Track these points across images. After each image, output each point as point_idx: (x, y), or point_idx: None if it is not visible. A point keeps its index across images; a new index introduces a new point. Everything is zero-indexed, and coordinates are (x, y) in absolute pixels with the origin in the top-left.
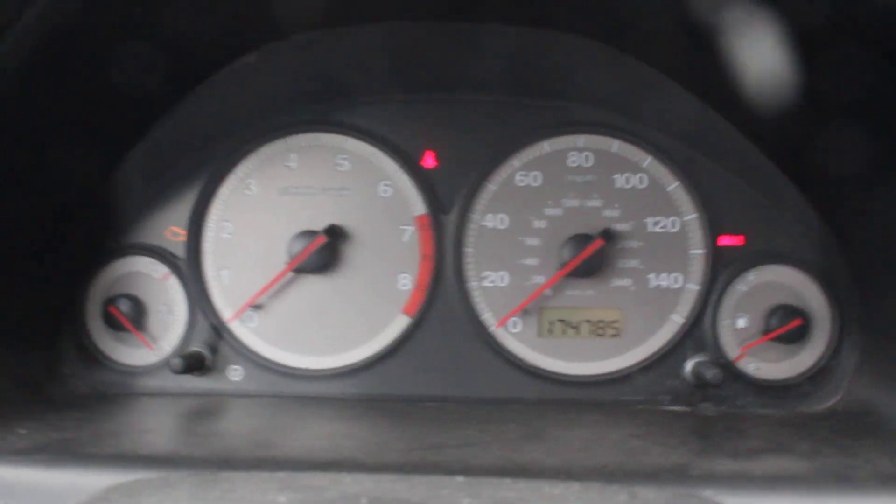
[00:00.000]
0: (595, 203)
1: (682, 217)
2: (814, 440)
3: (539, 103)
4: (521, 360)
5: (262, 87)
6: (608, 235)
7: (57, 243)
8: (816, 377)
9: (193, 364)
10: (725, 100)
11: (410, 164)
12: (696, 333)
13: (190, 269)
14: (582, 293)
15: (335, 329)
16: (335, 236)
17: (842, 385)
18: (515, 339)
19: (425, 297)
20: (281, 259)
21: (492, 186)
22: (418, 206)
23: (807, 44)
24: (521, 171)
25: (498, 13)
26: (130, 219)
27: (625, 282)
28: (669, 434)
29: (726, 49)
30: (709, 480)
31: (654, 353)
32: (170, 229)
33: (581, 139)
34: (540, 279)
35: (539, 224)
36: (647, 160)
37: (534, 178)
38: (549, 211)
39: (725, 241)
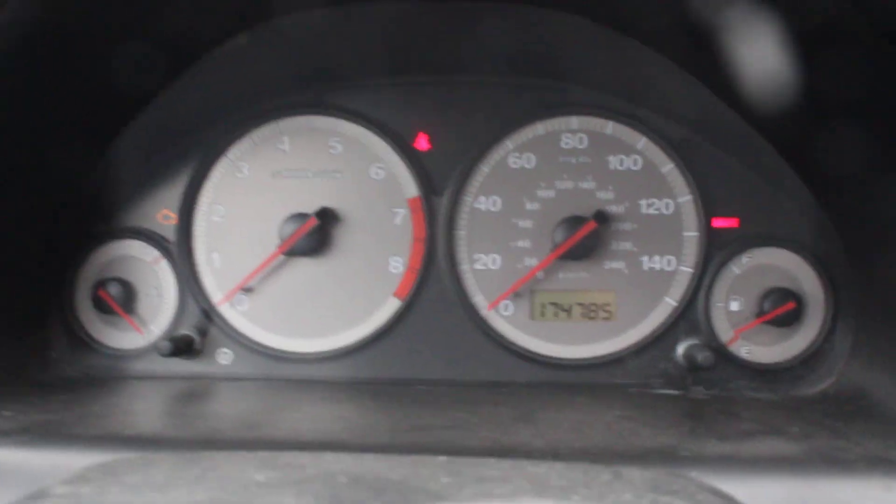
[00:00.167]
0: (589, 185)
1: (676, 199)
2: (805, 423)
3: (533, 84)
4: (512, 343)
5: (254, 69)
6: (601, 217)
7: (47, 227)
8: (809, 360)
9: (182, 347)
10: (723, 83)
11: (403, 146)
12: (689, 316)
13: (181, 252)
14: (575, 276)
15: (326, 312)
16: (326, 219)
17: (835, 369)
18: (507, 321)
19: (417, 280)
20: (272, 242)
21: (485, 168)
22: (411, 188)
23: (806, 36)
24: (514, 153)
25: None
26: (122, 202)
27: (618, 264)
28: (660, 416)
29: (726, 36)
30: (697, 462)
31: (647, 337)
32: (161, 213)
33: (575, 121)
34: (532, 262)
35: (532, 206)
36: (642, 142)
37: (527, 160)
38: (543, 193)
39: (719, 223)
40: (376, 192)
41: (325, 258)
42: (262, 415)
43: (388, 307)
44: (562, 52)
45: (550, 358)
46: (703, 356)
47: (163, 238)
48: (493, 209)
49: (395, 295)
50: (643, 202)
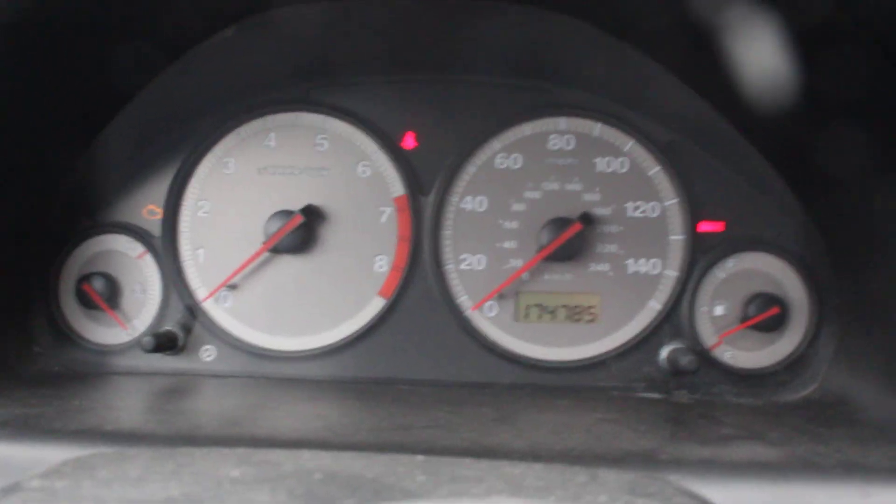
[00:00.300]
0: (575, 187)
1: (662, 202)
2: (786, 428)
3: (521, 85)
4: (496, 344)
5: (242, 64)
6: (587, 219)
7: (32, 221)
8: (793, 366)
9: (165, 343)
10: (711, 87)
11: (390, 144)
12: (674, 320)
13: (166, 247)
14: (560, 278)
15: (310, 310)
16: (312, 216)
17: (818, 374)
18: (491, 323)
19: (402, 280)
20: (258, 239)
21: (471, 168)
22: (397, 187)
23: (795, 40)
24: (501, 154)
25: None
26: (107, 197)
27: (603, 267)
28: (641, 420)
29: (715, 40)
30: (676, 465)
31: (631, 340)
32: (147, 208)
33: (563, 122)
34: (518, 263)
35: (518, 207)
36: (629, 144)
37: (514, 161)
38: (529, 194)
39: (705, 227)
40: (362, 191)
41: (310, 256)
42: (243, 412)
43: (373, 306)
44: (551, 53)
45: (534, 360)
46: (686, 360)
47: (148, 233)
48: (479, 209)
49: (380, 294)
50: (629, 205)
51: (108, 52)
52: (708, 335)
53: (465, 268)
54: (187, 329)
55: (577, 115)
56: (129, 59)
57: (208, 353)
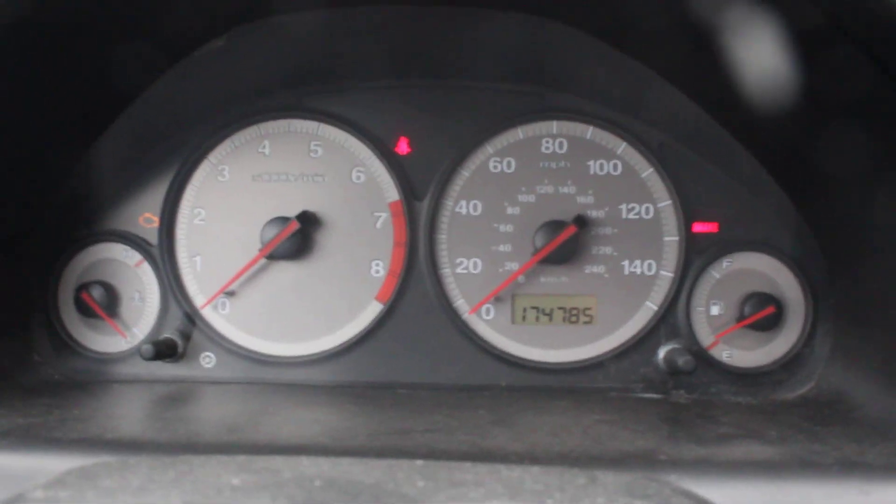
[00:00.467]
0: (569, 189)
1: (656, 204)
2: (783, 427)
3: (513, 89)
4: (493, 347)
5: (235, 71)
6: (581, 222)
7: (29, 230)
8: (789, 365)
9: (164, 351)
10: (703, 89)
11: (384, 150)
12: (670, 321)
13: (163, 255)
14: (555, 280)
15: (308, 316)
16: (308, 223)
17: (815, 373)
18: (488, 325)
19: (398, 284)
20: (254, 245)
21: (465, 173)
22: (392, 192)
23: (791, 38)
24: (494, 158)
25: None
26: (104, 206)
27: (598, 268)
28: (639, 420)
29: (708, 44)
30: (674, 465)
31: (628, 341)
32: (143, 216)
33: (555, 125)
34: (513, 266)
35: (513, 210)
36: (622, 146)
37: (507, 165)
38: (523, 197)
39: (699, 227)
40: (357, 196)
41: (306, 262)
42: (243, 418)
43: (370, 311)
44: (543, 58)
45: (531, 362)
46: (683, 360)
47: (145, 241)
48: (473, 213)
49: (377, 299)
50: (623, 207)
51: (101, 59)
52: (704, 335)
53: (462, 271)
54: (186, 336)
55: (569, 119)
56: (121, 67)
57: (208, 360)
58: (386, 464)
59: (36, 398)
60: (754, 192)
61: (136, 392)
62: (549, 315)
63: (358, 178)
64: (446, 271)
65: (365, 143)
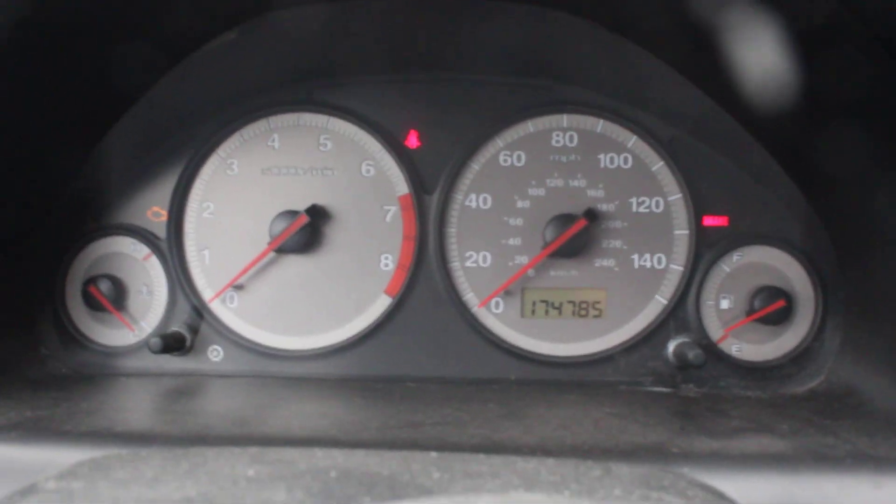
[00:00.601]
0: (579, 183)
1: (666, 197)
2: (794, 420)
3: (523, 82)
4: (503, 340)
5: (244, 65)
6: (592, 215)
7: (37, 223)
8: (799, 359)
9: (172, 344)
10: (714, 82)
11: (394, 143)
12: (680, 314)
13: (171, 249)
14: (565, 273)
15: (317, 309)
16: (317, 216)
17: (825, 367)
18: (498, 319)
19: (407, 278)
20: (263, 239)
21: (475, 166)
22: (401, 185)
23: (800, 37)
24: (504, 151)
25: None
26: (112, 199)
27: (608, 262)
28: (649, 414)
29: (717, 38)
30: (686, 458)
31: (637, 334)
32: (152, 210)
33: (565, 119)
34: (523, 259)
35: (522, 204)
36: (632, 140)
37: (518, 158)
38: (533, 191)
39: (710, 221)
40: (367, 190)
41: (315, 255)
42: (252, 411)
43: (379, 304)
44: (553, 51)
45: (541, 355)
46: (693, 354)
47: (153, 235)
48: (483, 207)
49: (386, 292)
50: (633, 200)
51: (111, 53)
52: (714, 329)
53: (471, 265)
54: (194, 330)
55: (579, 112)
56: (131, 62)
57: (216, 354)
58: (401, 455)
59: (44, 391)
60: (765, 186)
61: (144, 385)
62: (559, 309)
63: (367, 171)
64: (456, 265)
65: (374, 136)
